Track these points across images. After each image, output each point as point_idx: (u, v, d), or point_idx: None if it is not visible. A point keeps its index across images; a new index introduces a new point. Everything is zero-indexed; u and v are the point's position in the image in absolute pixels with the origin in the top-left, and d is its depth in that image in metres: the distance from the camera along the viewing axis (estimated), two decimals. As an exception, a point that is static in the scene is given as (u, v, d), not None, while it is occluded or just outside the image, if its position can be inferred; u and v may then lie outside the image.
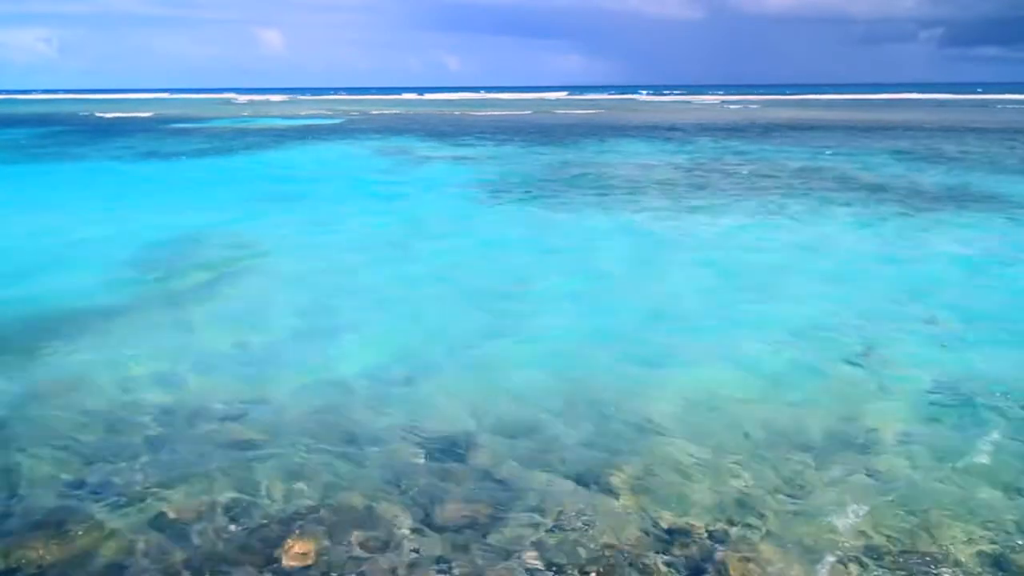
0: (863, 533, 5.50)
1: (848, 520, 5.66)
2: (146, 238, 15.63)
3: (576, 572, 5.13)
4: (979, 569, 5.12)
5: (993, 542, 5.40)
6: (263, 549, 5.39)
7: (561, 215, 18.27)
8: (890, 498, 5.95)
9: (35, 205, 20.31)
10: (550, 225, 17.12)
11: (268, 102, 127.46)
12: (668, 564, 5.18)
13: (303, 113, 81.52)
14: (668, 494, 6.06)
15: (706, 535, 5.49)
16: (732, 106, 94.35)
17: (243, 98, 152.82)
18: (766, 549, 5.31)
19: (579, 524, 5.65)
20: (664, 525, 5.63)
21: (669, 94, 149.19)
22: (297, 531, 5.57)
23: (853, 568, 5.13)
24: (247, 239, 15.56)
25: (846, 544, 5.38)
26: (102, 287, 12.07)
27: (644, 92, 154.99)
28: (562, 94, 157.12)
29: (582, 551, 5.33)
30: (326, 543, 5.44)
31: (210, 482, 6.24)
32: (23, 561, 5.25)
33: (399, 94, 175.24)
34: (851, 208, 18.76)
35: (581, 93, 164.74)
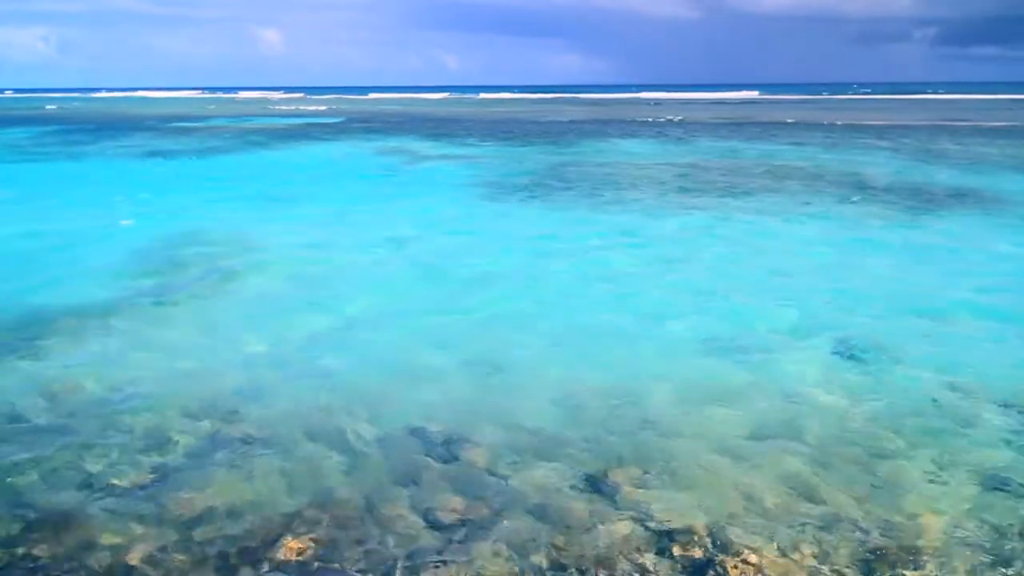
0: (864, 533, 5.49)
1: (848, 520, 5.65)
2: (145, 237, 15.61)
3: (575, 571, 5.13)
4: (979, 571, 5.11)
5: (996, 546, 5.38)
6: (260, 546, 5.37)
7: (561, 213, 18.26)
8: (892, 499, 5.94)
9: (34, 204, 20.27)
10: (549, 223, 17.08)
11: (268, 100, 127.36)
12: (667, 564, 5.17)
13: (303, 111, 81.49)
14: (668, 494, 6.04)
15: (706, 536, 5.48)
16: (730, 104, 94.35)
17: (243, 96, 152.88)
18: (766, 551, 5.31)
19: (578, 523, 5.63)
20: (664, 526, 5.61)
21: (666, 93, 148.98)
22: (295, 529, 5.56)
23: (852, 570, 5.13)
24: (247, 237, 15.54)
25: (846, 545, 5.37)
26: (101, 285, 12.04)
27: (641, 91, 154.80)
28: (560, 93, 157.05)
29: (581, 550, 5.32)
30: (324, 541, 5.43)
31: (208, 479, 6.24)
32: (20, 559, 5.23)
33: (399, 92, 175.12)
34: (849, 206, 18.72)
35: (578, 92, 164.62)
